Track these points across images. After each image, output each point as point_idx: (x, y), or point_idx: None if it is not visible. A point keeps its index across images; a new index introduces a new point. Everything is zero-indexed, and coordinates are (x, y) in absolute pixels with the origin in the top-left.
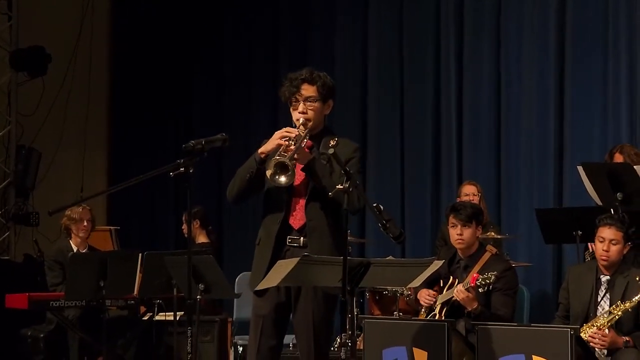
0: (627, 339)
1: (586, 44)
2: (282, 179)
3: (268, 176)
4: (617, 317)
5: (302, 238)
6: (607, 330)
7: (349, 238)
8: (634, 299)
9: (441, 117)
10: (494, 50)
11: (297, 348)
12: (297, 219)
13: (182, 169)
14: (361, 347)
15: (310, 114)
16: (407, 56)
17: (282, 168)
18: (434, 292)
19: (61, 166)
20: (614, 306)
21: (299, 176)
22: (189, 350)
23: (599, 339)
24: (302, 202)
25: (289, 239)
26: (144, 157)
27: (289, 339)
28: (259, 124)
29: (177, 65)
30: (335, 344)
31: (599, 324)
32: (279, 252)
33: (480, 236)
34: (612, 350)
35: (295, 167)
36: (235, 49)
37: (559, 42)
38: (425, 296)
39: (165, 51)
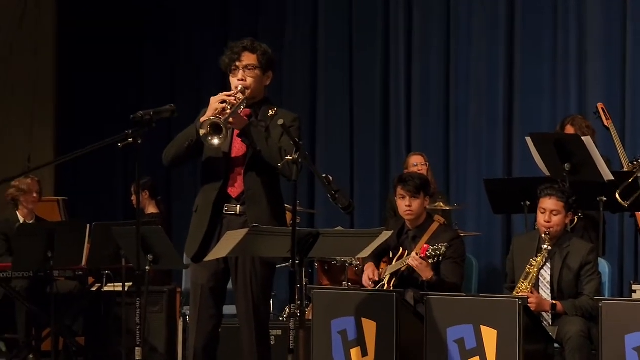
0: (555, 302)
1: (537, 13)
2: (215, 140)
3: (201, 135)
4: (534, 274)
5: (239, 206)
6: (531, 292)
7: (298, 209)
8: (543, 252)
9: (390, 86)
10: (444, 18)
11: (237, 317)
12: (235, 187)
13: (131, 139)
14: (310, 318)
15: (250, 81)
16: (356, 24)
17: (215, 129)
18: (380, 266)
19: (8, 136)
20: (528, 265)
21: (239, 147)
22: (138, 321)
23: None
24: (240, 171)
25: (226, 207)
26: (92, 128)
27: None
28: (209, 94)
29: (126, 33)
30: (285, 314)
31: (522, 288)
32: (216, 220)
33: (428, 207)
34: (557, 318)
35: (229, 130)
36: (185, 18)
37: (509, 13)
38: (366, 278)
39: (113, 22)
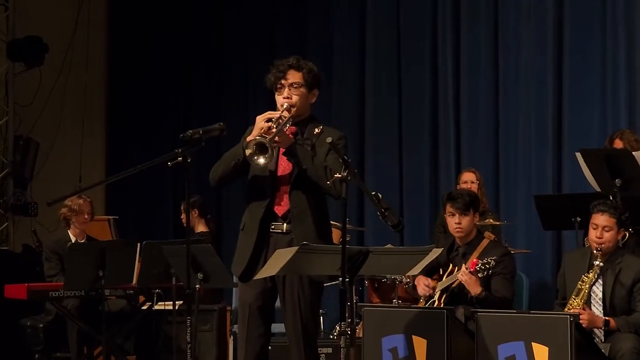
0: (607, 319)
1: (584, 30)
2: (261, 159)
3: (247, 155)
4: (585, 291)
5: (285, 224)
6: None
7: (347, 226)
8: (595, 268)
9: (439, 104)
10: (492, 37)
11: (286, 335)
12: (282, 206)
13: (180, 158)
14: (360, 335)
15: (295, 99)
16: (404, 44)
17: (261, 148)
18: (433, 281)
19: (59, 156)
20: (579, 282)
21: (285, 166)
22: (188, 339)
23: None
24: (287, 189)
25: (273, 225)
26: (142, 146)
27: (280, 327)
28: (257, 111)
29: (175, 53)
30: (335, 331)
31: (574, 305)
32: (262, 239)
33: (478, 223)
34: (610, 334)
35: (275, 149)
36: (234, 38)
37: (557, 27)
38: (422, 285)
39: (162, 39)
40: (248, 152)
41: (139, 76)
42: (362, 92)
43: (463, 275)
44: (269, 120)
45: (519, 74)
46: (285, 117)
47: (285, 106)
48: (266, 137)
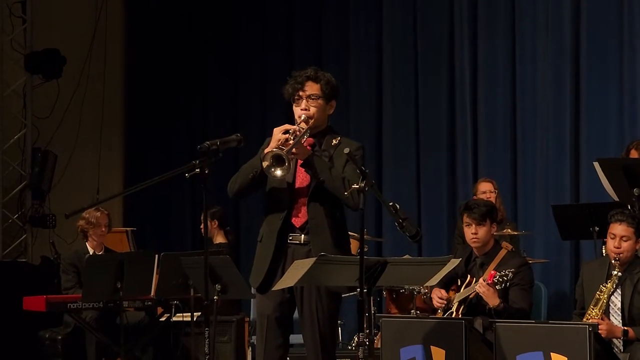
0: (626, 329)
1: (602, 40)
2: (278, 171)
3: (264, 167)
4: (604, 301)
5: (303, 235)
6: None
7: (365, 237)
8: (613, 278)
9: (456, 114)
10: (509, 46)
11: (304, 346)
12: (299, 217)
13: (198, 169)
14: (379, 346)
15: (313, 110)
16: (422, 54)
17: (278, 161)
18: (448, 293)
19: (77, 168)
20: (597, 292)
21: (303, 178)
22: (207, 351)
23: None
24: (304, 201)
25: (290, 236)
26: (159, 158)
27: (298, 338)
28: (275, 123)
29: (192, 65)
30: (353, 342)
31: (593, 314)
32: (280, 250)
33: (496, 233)
34: (629, 344)
35: (292, 160)
36: (250, 48)
37: (575, 38)
38: (436, 298)
39: (179, 51)
40: (265, 164)
41: (156, 87)
42: (379, 102)
43: (481, 287)
44: (286, 132)
45: (536, 84)
46: (303, 129)
47: (302, 118)
48: (283, 149)
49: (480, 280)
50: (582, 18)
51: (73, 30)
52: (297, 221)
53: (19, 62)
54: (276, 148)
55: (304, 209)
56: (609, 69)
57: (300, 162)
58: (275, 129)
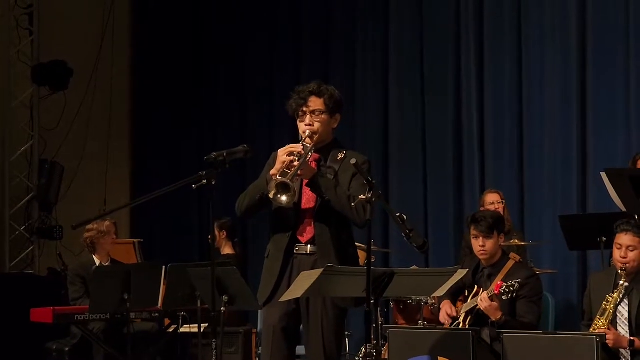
0: (633, 339)
1: (608, 52)
2: (284, 198)
3: (271, 197)
4: (610, 311)
5: (309, 246)
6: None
7: (372, 248)
8: (620, 288)
9: (463, 125)
10: (515, 57)
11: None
12: (305, 234)
13: (205, 181)
14: (386, 357)
15: (317, 126)
16: (428, 65)
17: (283, 188)
18: (456, 305)
19: (84, 180)
20: (604, 302)
21: (309, 198)
22: None
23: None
24: (310, 221)
25: (297, 247)
26: (167, 169)
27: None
28: (282, 134)
29: (199, 77)
30: (361, 353)
31: (599, 325)
32: (287, 265)
33: (503, 244)
34: (636, 354)
35: (297, 182)
36: (258, 60)
37: (581, 48)
38: (444, 313)
39: (186, 63)
40: (271, 193)
41: (163, 99)
42: (386, 114)
43: (483, 302)
44: (290, 154)
45: (543, 93)
46: (308, 144)
47: (307, 133)
48: (288, 175)
49: (483, 294)
50: (587, 30)
51: (80, 41)
52: (303, 238)
53: (26, 73)
54: (280, 176)
55: (310, 229)
56: (616, 81)
57: (305, 181)
58: (279, 151)
